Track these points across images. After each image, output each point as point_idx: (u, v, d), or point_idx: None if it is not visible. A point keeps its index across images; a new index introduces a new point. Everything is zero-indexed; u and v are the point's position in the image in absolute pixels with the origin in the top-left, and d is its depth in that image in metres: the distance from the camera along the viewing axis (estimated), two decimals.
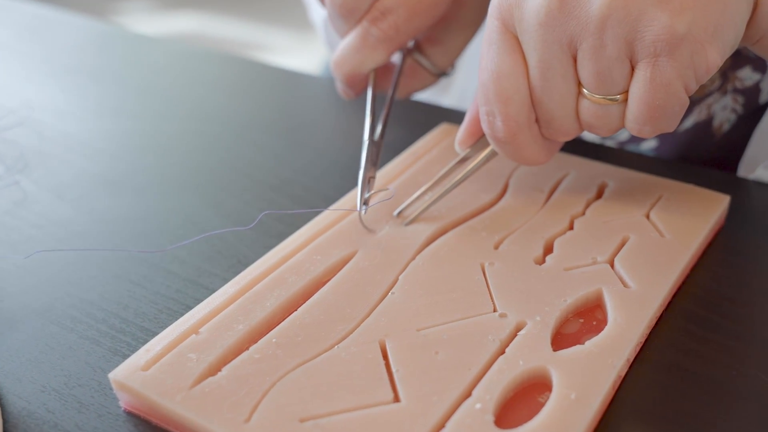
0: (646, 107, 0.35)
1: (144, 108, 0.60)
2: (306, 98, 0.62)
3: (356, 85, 0.49)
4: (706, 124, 0.53)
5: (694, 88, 0.35)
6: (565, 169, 0.45)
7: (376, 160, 0.43)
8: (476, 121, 0.41)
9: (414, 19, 0.45)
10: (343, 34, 0.47)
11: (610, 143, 0.56)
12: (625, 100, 0.36)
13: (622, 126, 0.37)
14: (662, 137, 0.55)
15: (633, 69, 0.35)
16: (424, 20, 0.45)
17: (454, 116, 0.54)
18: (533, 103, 0.37)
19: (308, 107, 0.60)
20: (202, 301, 0.37)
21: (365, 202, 0.40)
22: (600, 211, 0.42)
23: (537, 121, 0.38)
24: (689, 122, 0.53)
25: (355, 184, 0.45)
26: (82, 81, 0.64)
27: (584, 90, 0.36)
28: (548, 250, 0.39)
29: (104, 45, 0.72)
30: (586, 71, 0.35)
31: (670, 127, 0.36)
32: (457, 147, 0.42)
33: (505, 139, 0.38)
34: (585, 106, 0.37)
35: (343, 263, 0.39)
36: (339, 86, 0.50)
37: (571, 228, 0.41)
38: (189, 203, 0.47)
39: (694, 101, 0.53)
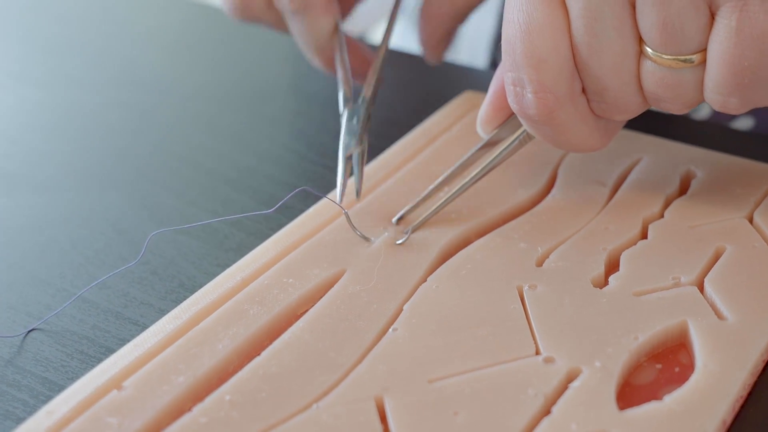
0: (731, 70, 0.35)
1: (50, 72, 0.60)
2: (274, 57, 0.62)
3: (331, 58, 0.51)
4: None
5: None
6: (634, 154, 0.45)
7: (365, 128, 0.43)
8: (503, 94, 0.41)
9: None
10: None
11: (697, 115, 0.56)
12: (704, 61, 0.36)
13: (701, 98, 0.37)
14: (759, 113, 0.55)
15: (713, 18, 0.35)
16: None
17: (484, 80, 0.54)
18: (578, 67, 0.37)
19: (277, 69, 0.60)
20: (128, 341, 0.37)
21: (356, 194, 0.41)
22: (684, 213, 0.41)
23: (584, 92, 0.38)
24: None
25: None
26: None
27: (647, 48, 0.36)
28: (612, 267, 0.39)
29: None
30: (648, 22, 0.35)
31: (766, 99, 0.36)
32: (479, 129, 0.42)
33: (539, 117, 0.38)
34: (649, 70, 0.37)
35: (326, 288, 0.38)
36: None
37: (644, 236, 0.40)
38: (112, 204, 0.47)
39: None
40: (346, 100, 0.46)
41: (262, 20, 0.51)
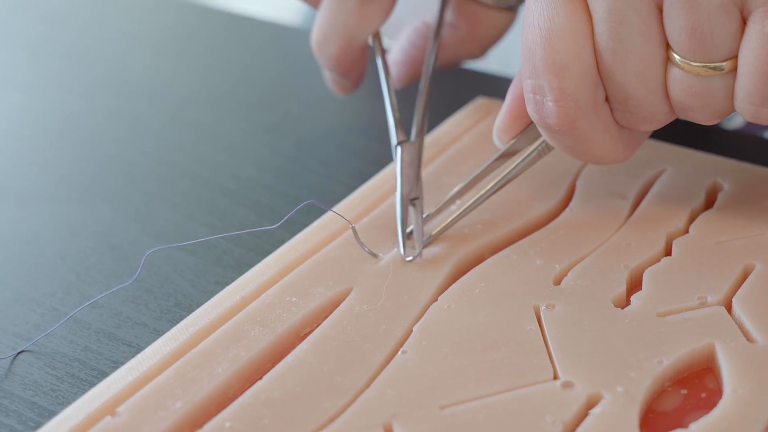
0: (763, 78, 0.35)
1: (35, 75, 0.60)
2: (277, 60, 0.62)
3: (351, 70, 0.49)
4: None
5: None
6: (657, 165, 0.45)
7: (418, 172, 0.43)
8: (522, 101, 0.40)
9: None
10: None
11: (729, 125, 0.56)
12: (734, 68, 0.36)
13: (731, 108, 0.37)
14: None
15: (744, 23, 0.35)
16: None
17: (497, 86, 0.54)
18: (601, 74, 0.37)
19: (280, 73, 0.59)
20: (122, 364, 0.37)
21: (413, 248, 0.40)
22: (711, 228, 0.41)
23: (607, 101, 0.38)
24: None
25: (353, 187, 0.45)
26: None
27: (674, 55, 0.36)
28: (634, 285, 0.39)
29: None
30: (676, 26, 0.35)
31: None
32: (495, 138, 0.42)
33: (560, 127, 0.38)
34: (676, 78, 0.37)
35: (331, 308, 0.38)
36: (328, 76, 0.50)
37: (667, 253, 0.40)
38: (103, 217, 0.47)
39: None
40: (398, 134, 0.44)
41: None
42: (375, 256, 0.40)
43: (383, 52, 0.49)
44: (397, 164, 0.43)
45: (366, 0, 0.47)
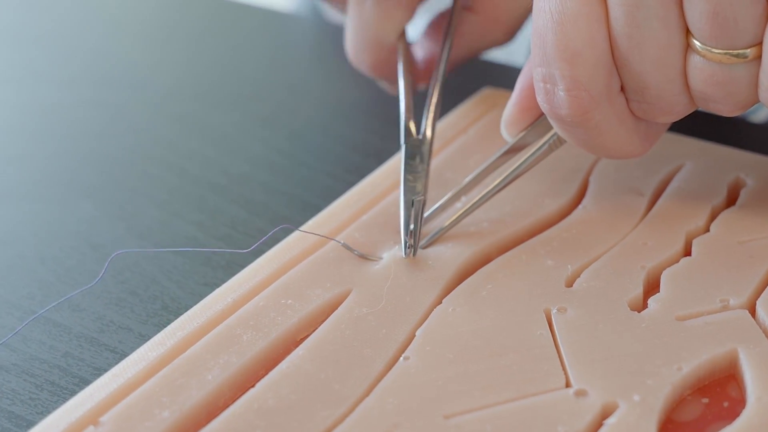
0: None
1: (10, 65, 0.60)
2: (270, 48, 0.61)
3: (391, 72, 0.50)
4: None
5: None
6: (677, 160, 0.45)
7: (427, 170, 0.43)
8: (531, 92, 0.40)
9: None
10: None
11: (754, 118, 0.56)
12: (759, 56, 0.35)
13: (755, 98, 0.37)
14: None
15: None
16: None
17: (505, 76, 0.54)
18: (616, 62, 0.37)
19: (273, 62, 0.59)
20: (105, 371, 0.36)
21: (410, 246, 0.40)
22: (733, 226, 0.41)
23: (623, 90, 0.38)
24: None
25: (351, 183, 0.45)
26: None
27: (695, 41, 0.36)
28: (652, 288, 0.39)
29: None
30: (697, 11, 0.35)
31: None
32: (503, 131, 0.42)
33: (572, 118, 0.38)
34: (696, 66, 0.36)
35: (329, 311, 0.38)
36: (382, 85, 0.51)
37: (687, 253, 0.40)
38: (84, 215, 0.47)
39: None
40: (407, 132, 0.45)
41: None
42: (371, 259, 0.40)
43: (407, 51, 0.49)
44: (402, 162, 0.44)
45: None
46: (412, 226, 0.41)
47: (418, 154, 0.44)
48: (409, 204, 0.42)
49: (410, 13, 0.49)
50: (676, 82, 0.37)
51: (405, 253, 0.40)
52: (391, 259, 0.40)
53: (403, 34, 0.49)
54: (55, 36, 0.63)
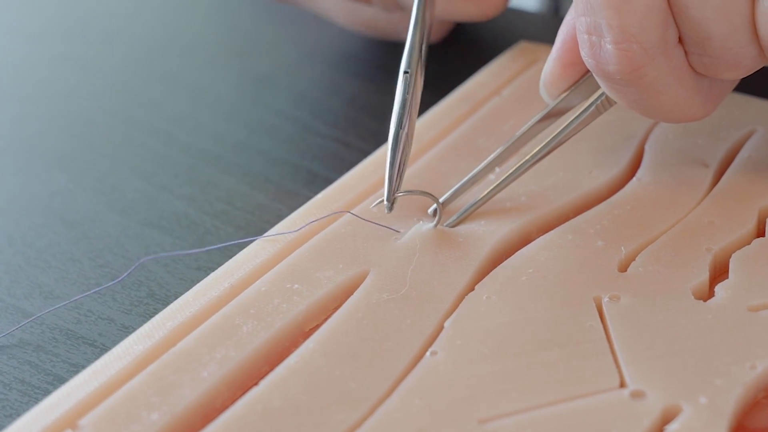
0: None
1: None
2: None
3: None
4: None
5: None
6: (746, 125, 0.45)
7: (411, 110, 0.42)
8: (575, 45, 0.40)
9: None
10: None
11: None
12: None
13: None
14: None
15: None
16: None
17: (544, 27, 0.54)
18: (672, 9, 0.37)
19: (272, 14, 0.59)
20: (83, 367, 0.37)
21: (390, 200, 0.40)
22: None
23: (681, 42, 0.38)
24: None
25: (365, 152, 0.45)
26: None
27: None
28: (719, 273, 0.39)
29: None
30: None
31: None
32: (543, 92, 0.42)
33: (622, 75, 0.38)
34: (767, 12, 0.36)
35: (342, 297, 0.38)
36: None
37: (760, 233, 0.40)
38: (58, 189, 0.47)
39: None
40: (411, 53, 0.44)
41: None
42: (396, 233, 0.41)
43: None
44: (399, 90, 0.43)
45: None
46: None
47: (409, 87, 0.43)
48: (401, 142, 0.41)
49: None
50: (742, 31, 0.37)
51: (388, 196, 0.40)
52: (416, 235, 0.41)
53: None
54: None
